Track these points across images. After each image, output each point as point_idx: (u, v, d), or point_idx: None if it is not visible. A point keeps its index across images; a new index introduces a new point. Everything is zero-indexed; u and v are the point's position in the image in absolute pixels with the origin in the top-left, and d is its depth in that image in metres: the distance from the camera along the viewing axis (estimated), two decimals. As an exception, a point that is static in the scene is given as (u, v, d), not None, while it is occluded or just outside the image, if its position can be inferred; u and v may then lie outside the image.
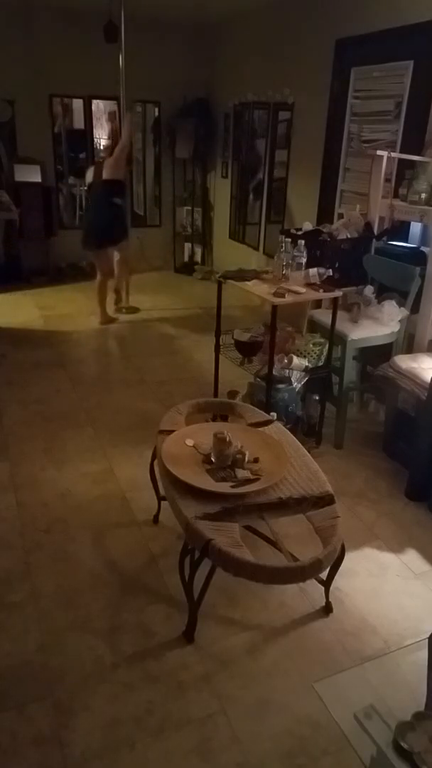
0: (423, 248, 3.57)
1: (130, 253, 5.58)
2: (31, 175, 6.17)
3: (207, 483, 2.12)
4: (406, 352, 3.41)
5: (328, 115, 4.71)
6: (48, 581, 2.33)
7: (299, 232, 3.84)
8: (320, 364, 3.22)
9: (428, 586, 2.41)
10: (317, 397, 3.43)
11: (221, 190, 6.94)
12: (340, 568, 2.15)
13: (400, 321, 3.36)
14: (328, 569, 2.11)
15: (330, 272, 3.22)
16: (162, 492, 2.40)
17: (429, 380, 2.83)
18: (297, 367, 3.09)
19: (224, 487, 2.11)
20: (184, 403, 2.71)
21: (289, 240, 3.12)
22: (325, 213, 4.85)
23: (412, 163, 3.48)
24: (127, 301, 5.72)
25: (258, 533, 2.43)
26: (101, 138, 6.89)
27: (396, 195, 3.66)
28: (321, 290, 3.02)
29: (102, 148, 6.84)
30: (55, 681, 1.93)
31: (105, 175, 4.97)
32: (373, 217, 3.65)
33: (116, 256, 5.40)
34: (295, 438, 2.54)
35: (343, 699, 1.90)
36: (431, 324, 3.31)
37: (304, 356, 3.17)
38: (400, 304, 3.38)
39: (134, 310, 5.72)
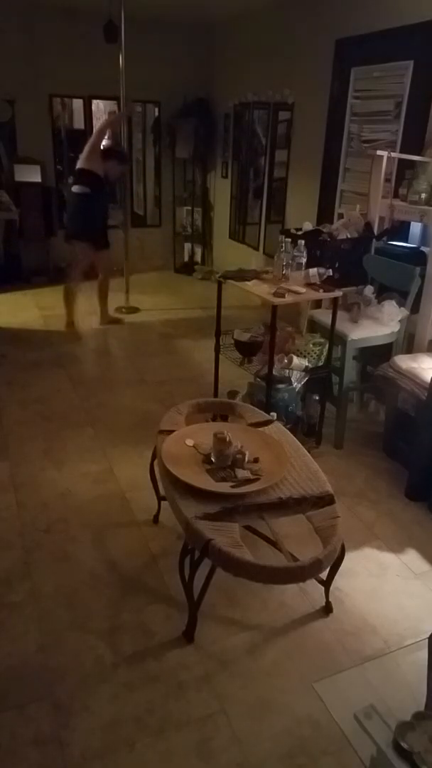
0: (423, 248, 3.57)
1: (81, 263, 4.99)
2: (31, 175, 6.17)
3: (207, 483, 2.12)
4: (406, 352, 3.41)
5: (328, 115, 4.71)
6: (48, 581, 2.33)
7: (299, 232, 3.84)
8: (320, 364, 3.22)
9: (428, 586, 2.41)
10: (317, 397, 3.42)
11: (221, 190, 6.94)
12: (340, 568, 2.15)
13: (400, 321, 3.36)
14: (328, 569, 2.11)
15: (330, 272, 3.22)
16: (162, 492, 2.40)
17: (429, 380, 2.83)
18: (297, 367, 3.09)
19: (224, 487, 2.11)
20: (184, 403, 2.71)
21: (289, 240, 3.12)
22: (325, 213, 4.86)
23: (412, 163, 3.48)
24: (126, 300, 5.73)
25: (258, 533, 2.43)
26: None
27: (396, 195, 3.66)
28: (321, 290, 3.02)
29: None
30: (55, 681, 1.93)
31: (78, 164, 4.66)
32: (373, 217, 3.65)
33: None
34: (295, 438, 2.54)
35: (343, 699, 1.90)
36: (431, 324, 3.31)
37: (304, 356, 3.17)
38: (400, 304, 3.38)
39: (134, 310, 5.72)
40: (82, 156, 4.64)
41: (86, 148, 4.62)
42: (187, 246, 7.30)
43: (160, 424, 2.53)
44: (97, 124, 5.52)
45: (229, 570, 1.88)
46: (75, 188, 4.66)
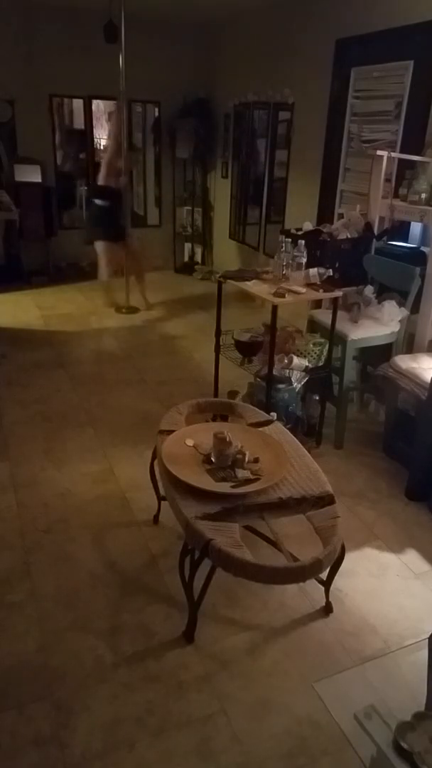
0: (423, 248, 3.57)
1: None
2: (31, 175, 6.17)
3: (207, 483, 2.12)
4: (406, 352, 3.41)
5: (328, 115, 4.71)
6: (48, 581, 2.33)
7: (299, 232, 3.84)
8: (320, 364, 3.22)
9: (428, 586, 2.41)
10: (317, 397, 3.43)
11: (221, 190, 6.94)
12: (340, 568, 2.15)
13: (400, 321, 3.36)
14: (328, 569, 2.11)
15: (330, 272, 3.22)
16: (162, 492, 2.40)
17: (429, 380, 2.83)
18: (297, 367, 3.09)
19: (224, 487, 2.11)
20: (184, 403, 2.71)
21: (289, 240, 3.12)
22: (325, 213, 4.86)
23: (412, 163, 3.48)
24: (127, 300, 5.75)
25: (258, 533, 2.43)
26: (101, 138, 6.90)
27: (396, 195, 3.66)
28: (321, 290, 3.02)
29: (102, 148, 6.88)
30: (55, 681, 1.93)
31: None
32: (373, 217, 3.65)
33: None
34: (295, 438, 2.54)
35: (343, 699, 1.90)
36: (431, 324, 3.31)
37: (304, 356, 3.17)
38: (400, 304, 3.38)
39: (134, 310, 5.72)
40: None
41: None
42: (187, 246, 7.30)
43: (160, 424, 2.53)
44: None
45: (229, 570, 1.88)
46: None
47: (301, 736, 1.79)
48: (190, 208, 7.13)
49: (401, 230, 3.78)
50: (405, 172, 3.53)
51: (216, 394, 3.54)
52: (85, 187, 6.81)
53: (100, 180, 5.45)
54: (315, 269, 3.12)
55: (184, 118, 6.63)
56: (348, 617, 2.23)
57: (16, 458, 3.17)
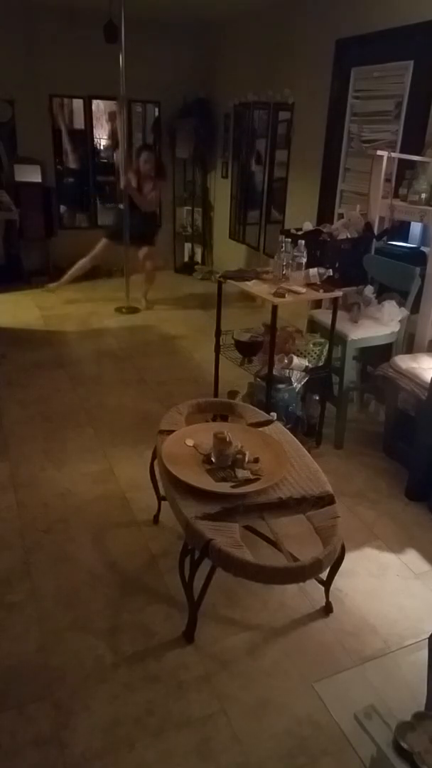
0: (423, 248, 3.57)
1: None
2: (31, 175, 6.17)
3: (207, 483, 2.12)
4: (406, 352, 3.41)
5: (328, 115, 4.71)
6: (48, 581, 2.33)
7: (299, 232, 3.83)
8: (320, 364, 3.22)
9: (428, 586, 2.41)
10: (317, 397, 3.43)
11: (221, 190, 6.94)
12: (340, 568, 2.15)
13: (400, 321, 3.36)
14: (328, 569, 2.11)
15: (330, 272, 3.22)
16: (162, 492, 2.40)
17: (429, 380, 2.83)
18: (297, 367, 3.09)
19: (224, 487, 2.11)
20: (184, 403, 2.71)
21: (289, 240, 3.12)
22: (325, 213, 4.85)
23: (412, 163, 3.48)
24: (127, 300, 5.75)
25: (258, 533, 2.43)
26: (101, 138, 6.90)
27: (396, 195, 3.66)
28: (321, 290, 3.02)
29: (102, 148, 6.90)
30: (55, 681, 1.93)
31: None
32: (373, 217, 3.65)
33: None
34: (295, 438, 2.54)
35: (343, 699, 1.90)
36: (431, 324, 3.31)
37: (304, 356, 3.17)
38: (400, 304, 3.38)
39: (134, 310, 5.72)
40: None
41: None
42: (187, 246, 7.31)
43: (160, 424, 2.53)
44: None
45: (229, 570, 1.88)
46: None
47: (301, 736, 1.79)
48: (190, 208, 7.13)
49: (401, 230, 3.78)
50: (405, 172, 3.53)
51: (216, 394, 3.54)
52: (86, 187, 6.82)
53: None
54: (315, 269, 3.12)
55: (184, 118, 6.62)
56: (348, 617, 2.23)
57: (16, 458, 3.17)
